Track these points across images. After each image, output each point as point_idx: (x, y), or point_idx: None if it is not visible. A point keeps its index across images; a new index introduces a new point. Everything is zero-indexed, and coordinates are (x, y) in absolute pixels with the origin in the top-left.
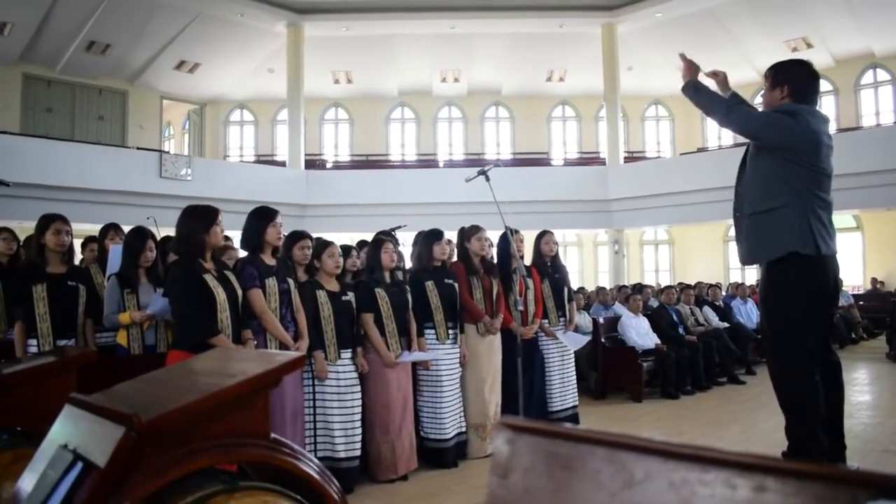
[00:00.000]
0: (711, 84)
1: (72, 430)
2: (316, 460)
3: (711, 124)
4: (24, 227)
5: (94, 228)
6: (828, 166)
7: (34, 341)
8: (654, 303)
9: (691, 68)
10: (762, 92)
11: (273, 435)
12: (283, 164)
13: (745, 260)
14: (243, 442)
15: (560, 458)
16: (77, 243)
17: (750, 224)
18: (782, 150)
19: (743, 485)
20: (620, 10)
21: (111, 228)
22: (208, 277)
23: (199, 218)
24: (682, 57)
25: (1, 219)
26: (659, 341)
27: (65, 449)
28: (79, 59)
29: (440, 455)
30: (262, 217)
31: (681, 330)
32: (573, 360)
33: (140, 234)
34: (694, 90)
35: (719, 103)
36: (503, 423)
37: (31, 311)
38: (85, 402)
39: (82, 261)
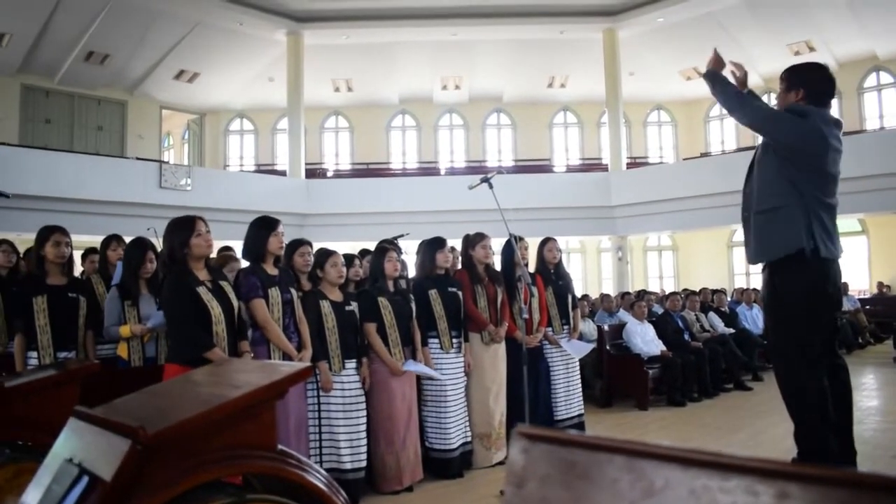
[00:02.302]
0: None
1: (77, 444)
2: (323, 471)
3: (714, 129)
4: (24, 239)
5: (94, 240)
6: (834, 170)
7: (34, 354)
8: (658, 309)
9: (718, 61)
10: (776, 95)
11: (280, 446)
12: (283, 173)
13: (753, 259)
14: (250, 454)
15: (577, 467)
16: (77, 255)
17: (756, 223)
18: (788, 151)
19: (765, 492)
20: (621, 15)
21: (113, 240)
22: (202, 290)
23: (178, 230)
24: (715, 51)
25: (5, 231)
26: (664, 348)
27: (70, 462)
28: (77, 70)
29: (445, 465)
30: (263, 227)
31: (686, 336)
32: (578, 368)
33: (140, 246)
34: (713, 77)
35: (735, 93)
36: (519, 431)
37: (32, 323)
38: (90, 416)
39: (83, 273)
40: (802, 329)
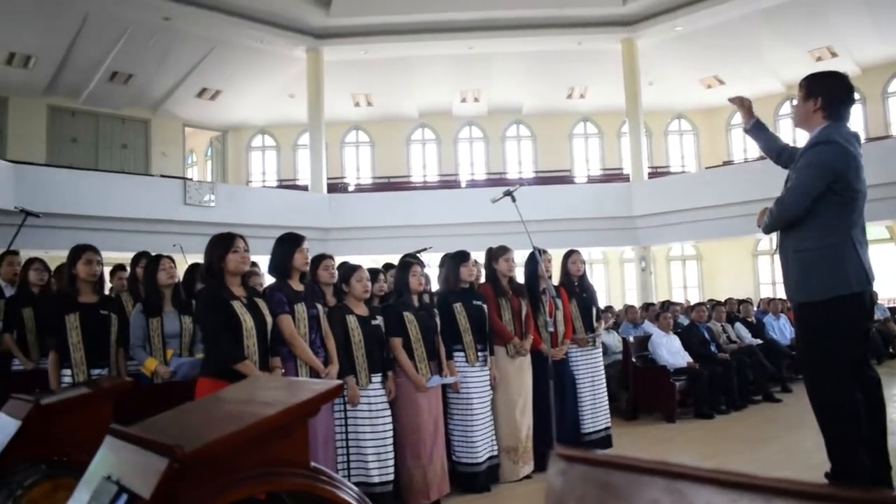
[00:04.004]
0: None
1: (114, 461)
2: (354, 488)
3: (736, 137)
4: (52, 256)
5: (121, 256)
6: (864, 186)
7: (68, 370)
8: (683, 320)
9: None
10: (794, 102)
11: (312, 463)
12: (305, 188)
13: (794, 297)
14: (283, 471)
15: (615, 489)
16: (105, 271)
17: (797, 260)
18: (834, 179)
19: None
20: (639, 24)
21: (143, 256)
22: (236, 304)
23: (217, 246)
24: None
25: (30, 248)
26: (691, 360)
27: (108, 480)
28: (102, 90)
29: (472, 479)
30: (289, 243)
31: (713, 348)
32: (604, 380)
33: (151, 259)
34: (766, 223)
35: (777, 215)
36: (557, 453)
37: (65, 340)
38: (126, 434)
39: (111, 289)
40: (834, 341)
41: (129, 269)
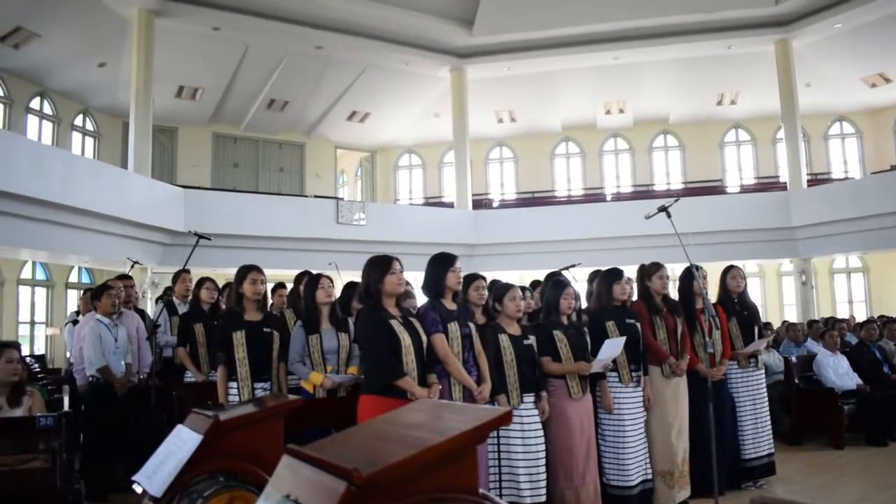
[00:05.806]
0: None
1: (292, 480)
2: None
3: None
4: (218, 274)
5: (280, 274)
6: None
7: (234, 384)
8: (851, 339)
9: None
10: None
11: (480, 490)
12: (451, 205)
13: None
14: (453, 496)
15: None
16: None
17: None
18: None
19: None
20: (794, 24)
21: (305, 275)
22: (394, 323)
23: (375, 268)
24: None
25: (198, 266)
26: (860, 381)
27: (288, 499)
28: (261, 117)
29: (623, 502)
30: (442, 263)
31: (885, 368)
32: (766, 402)
33: (312, 278)
34: None
35: None
36: (757, 500)
37: (232, 356)
38: (303, 454)
39: (271, 306)
40: None
41: (290, 287)
